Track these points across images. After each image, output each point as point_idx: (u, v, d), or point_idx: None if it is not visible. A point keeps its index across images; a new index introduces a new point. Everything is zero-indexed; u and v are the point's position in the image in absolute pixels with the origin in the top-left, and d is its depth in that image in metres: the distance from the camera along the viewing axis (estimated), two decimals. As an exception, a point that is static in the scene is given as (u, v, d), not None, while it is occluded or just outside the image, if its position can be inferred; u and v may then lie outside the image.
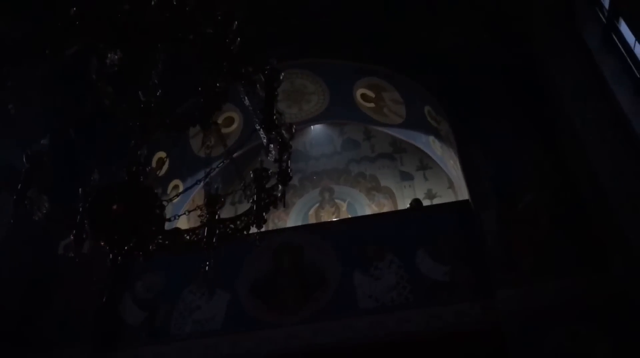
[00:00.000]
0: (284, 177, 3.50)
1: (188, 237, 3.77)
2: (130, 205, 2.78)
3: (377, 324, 6.85)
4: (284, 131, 3.46)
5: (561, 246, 6.40)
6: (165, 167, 9.68)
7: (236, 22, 3.26)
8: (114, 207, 2.71)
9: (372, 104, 10.40)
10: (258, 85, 3.33)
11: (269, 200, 3.53)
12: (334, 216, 12.35)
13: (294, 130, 3.68)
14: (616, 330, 5.72)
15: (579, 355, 5.72)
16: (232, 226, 3.74)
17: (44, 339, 7.25)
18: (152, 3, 2.90)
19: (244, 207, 4.11)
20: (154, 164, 9.22)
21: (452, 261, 7.13)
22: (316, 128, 13.49)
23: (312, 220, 12.37)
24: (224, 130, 10.28)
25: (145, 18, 2.97)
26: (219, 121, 9.91)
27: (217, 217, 3.78)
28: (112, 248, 2.80)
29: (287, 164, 3.53)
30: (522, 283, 6.28)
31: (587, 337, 5.76)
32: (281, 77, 3.39)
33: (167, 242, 3.65)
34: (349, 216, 12.04)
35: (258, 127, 3.35)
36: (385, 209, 11.88)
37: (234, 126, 10.42)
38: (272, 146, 3.35)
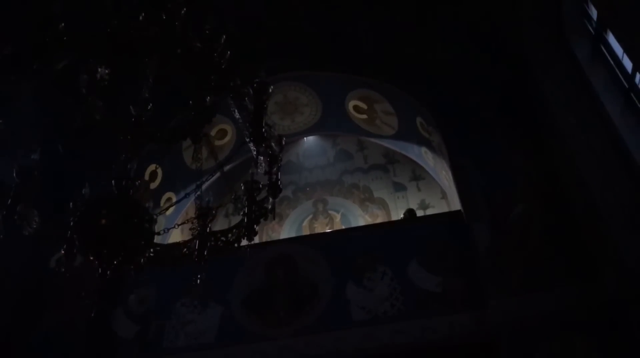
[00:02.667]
0: (274, 189, 3.52)
1: (180, 250, 3.77)
2: (119, 219, 2.78)
3: (370, 336, 6.83)
4: (273, 144, 3.48)
5: (552, 257, 6.41)
6: (158, 180, 9.68)
7: (224, 36, 3.28)
8: (103, 221, 2.71)
9: (364, 116, 10.44)
10: (247, 98, 3.35)
11: (259, 212, 3.54)
12: (327, 227, 12.34)
13: (283, 142, 3.70)
14: (608, 340, 5.72)
15: (571, 366, 5.73)
16: (223, 238, 3.75)
17: (35, 355, 7.20)
18: (140, 18, 2.92)
19: (238, 219, 4.10)
20: (146, 177, 9.22)
21: (445, 272, 7.13)
22: (309, 140, 13.52)
23: (305, 231, 12.35)
24: (218, 142, 10.30)
25: (134, 32, 2.99)
26: (212, 134, 9.93)
27: (208, 230, 3.79)
28: (101, 262, 2.79)
29: (277, 176, 3.54)
30: (514, 294, 6.27)
31: (579, 348, 5.75)
32: (270, 90, 3.40)
33: (158, 256, 3.64)
34: (343, 227, 12.03)
35: (248, 140, 3.36)
36: (379, 220, 11.86)
37: (227, 138, 10.44)
38: (261, 158, 3.36)
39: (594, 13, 6.62)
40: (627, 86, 6.10)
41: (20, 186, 3.33)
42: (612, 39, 6.37)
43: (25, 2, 5.93)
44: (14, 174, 3.37)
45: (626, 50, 5.86)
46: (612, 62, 6.44)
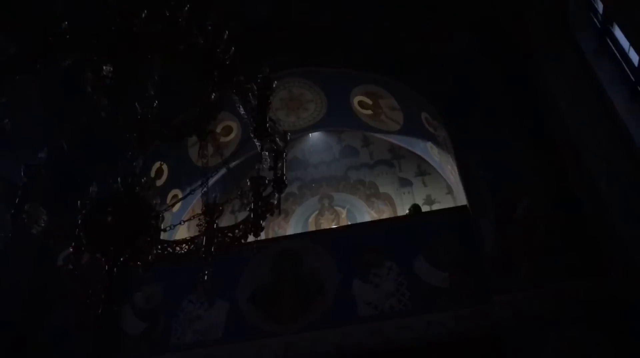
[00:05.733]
0: (279, 184, 3.52)
1: (187, 246, 3.78)
2: (125, 216, 2.79)
3: (376, 331, 6.83)
4: (278, 139, 3.48)
5: (559, 251, 6.39)
6: (165, 177, 9.70)
7: (227, 32, 3.28)
8: (109, 219, 2.72)
9: (369, 111, 10.43)
10: (250, 94, 3.35)
11: (265, 208, 3.54)
12: (333, 223, 12.33)
13: (288, 138, 3.70)
14: (615, 334, 5.70)
15: (578, 360, 5.72)
16: (230, 234, 3.75)
17: (43, 352, 7.24)
18: (143, 15, 2.92)
19: (244, 216, 4.09)
20: (152, 174, 9.24)
21: (451, 267, 7.13)
22: (314, 136, 13.51)
23: (312, 228, 12.34)
24: (223, 139, 10.31)
25: (137, 30, 3.00)
26: (218, 130, 9.94)
27: (215, 226, 3.79)
28: (108, 259, 2.81)
29: (282, 171, 3.54)
30: (521, 289, 6.26)
31: (586, 342, 5.74)
32: (274, 86, 3.39)
33: (165, 252, 3.66)
34: (349, 223, 12.03)
35: (252, 135, 3.36)
36: (385, 216, 11.86)
37: (233, 134, 10.45)
38: (266, 154, 3.37)
39: (599, 6, 6.59)
40: (633, 79, 6.07)
41: (27, 185, 3.35)
42: (618, 33, 6.33)
43: (29, 1, 5.95)
44: (22, 173, 3.39)
45: (632, 43, 5.82)
46: (618, 56, 6.41)
